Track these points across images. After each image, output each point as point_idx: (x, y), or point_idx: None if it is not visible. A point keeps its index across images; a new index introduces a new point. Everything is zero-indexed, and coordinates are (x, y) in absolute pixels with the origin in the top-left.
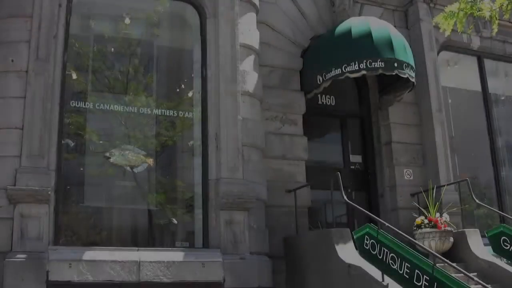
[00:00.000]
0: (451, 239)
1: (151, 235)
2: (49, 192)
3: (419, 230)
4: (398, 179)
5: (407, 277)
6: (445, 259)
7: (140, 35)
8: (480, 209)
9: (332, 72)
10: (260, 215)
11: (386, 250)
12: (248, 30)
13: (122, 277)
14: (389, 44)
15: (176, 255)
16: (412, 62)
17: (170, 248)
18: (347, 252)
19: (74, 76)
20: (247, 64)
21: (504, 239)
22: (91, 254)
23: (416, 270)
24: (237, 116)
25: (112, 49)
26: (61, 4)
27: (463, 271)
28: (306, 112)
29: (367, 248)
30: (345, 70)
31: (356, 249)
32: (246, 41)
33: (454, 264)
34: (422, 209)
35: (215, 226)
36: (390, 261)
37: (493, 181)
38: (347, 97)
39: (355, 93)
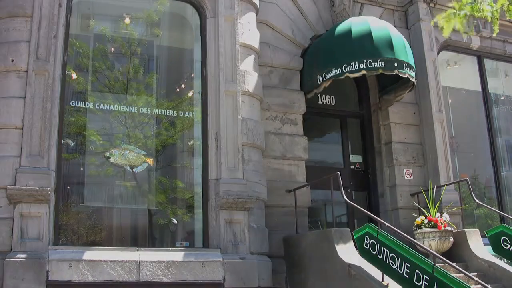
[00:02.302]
0: (451, 239)
1: (151, 235)
2: (49, 192)
3: (419, 230)
4: (398, 179)
5: (407, 277)
6: (445, 259)
7: (140, 35)
8: (480, 209)
9: (332, 72)
10: (260, 215)
11: (386, 250)
12: (248, 30)
13: (122, 277)
14: (389, 44)
15: (176, 255)
16: (412, 62)
17: (170, 248)
18: (347, 252)
19: (74, 76)
20: (247, 64)
21: (504, 239)
22: (91, 254)
23: (416, 270)
24: (237, 116)
25: (112, 49)
26: (61, 4)
27: (463, 271)
28: (306, 112)
29: (367, 248)
30: (345, 70)
31: (356, 249)
32: (246, 41)
33: (454, 264)
34: (422, 209)
35: (215, 226)
36: (390, 261)
37: (493, 181)
38: (347, 97)
39: (355, 93)
